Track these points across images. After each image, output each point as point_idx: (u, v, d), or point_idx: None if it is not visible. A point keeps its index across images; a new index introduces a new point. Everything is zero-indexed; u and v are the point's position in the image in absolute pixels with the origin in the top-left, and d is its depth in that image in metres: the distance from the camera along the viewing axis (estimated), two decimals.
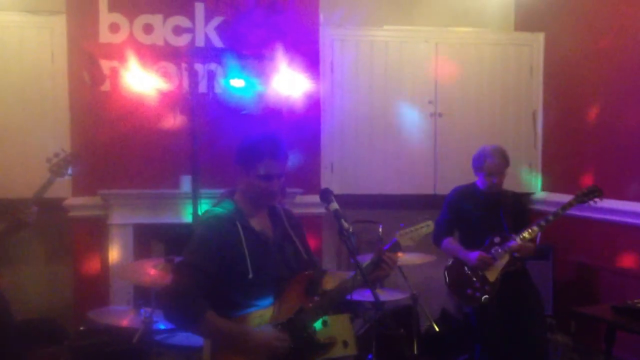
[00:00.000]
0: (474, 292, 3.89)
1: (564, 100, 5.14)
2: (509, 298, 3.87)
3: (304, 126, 4.86)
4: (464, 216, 4.02)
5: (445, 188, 4.94)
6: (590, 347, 4.51)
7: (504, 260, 3.85)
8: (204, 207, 3.76)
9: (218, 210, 2.50)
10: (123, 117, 4.63)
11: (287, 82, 4.75)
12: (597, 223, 4.58)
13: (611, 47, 4.57)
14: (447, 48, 5.21)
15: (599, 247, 4.68)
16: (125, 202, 4.62)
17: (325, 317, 2.53)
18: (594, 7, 4.75)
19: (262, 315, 2.46)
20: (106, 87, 4.63)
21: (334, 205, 2.49)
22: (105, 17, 4.61)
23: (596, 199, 3.82)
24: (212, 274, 2.39)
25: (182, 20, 4.70)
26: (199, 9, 4.70)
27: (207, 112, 4.59)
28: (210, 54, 4.65)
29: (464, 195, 4.06)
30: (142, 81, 4.59)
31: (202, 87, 4.63)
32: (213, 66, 4.67)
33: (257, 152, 2.45)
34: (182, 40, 4.70)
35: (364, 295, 3.80)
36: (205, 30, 4.72)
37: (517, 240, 3.80)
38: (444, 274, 4.05)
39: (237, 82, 4.60)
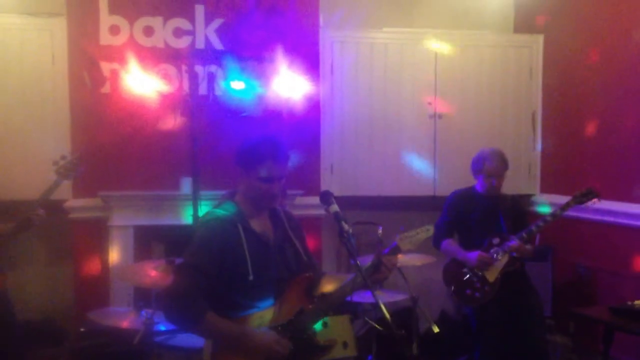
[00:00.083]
0: (474, 292, 3.90)
1: (563, 102, 5.16)
2: (508, 299, 3.88)
3: (304, 128, 4.87)
4: (463, 219, 4.04)
5: (445, 190, 4.96)
6: (589, 348, 4.52)
7: (503, 261, 3.87)
8: (204, 208, 3.77)
9: (219, 211, 2.51)
10: (123, 119, 4.64)
11: (287, 84, 4.77)
12: (596, 224, 4.60)
13: (610, 49, 4.58)
14: (446, 50, 5.22)
15: (597, 248, 4.69)
16: (125, 203, 4.63)
17: (326, 319, 2.54)
18: (593, 9, 4.77)
19: (262, 316, 2.48)
20: (106, 89, 4.64)
21: (334, 207, 2.50)
22: (106, 20, 4.62)
23: (594, 200, 3.85)
24: (213, 275, 2.41)
25: (182, 23, 4.70)
26: (199, 11, 4.71)
27: (207, 114, 4.61)
28: (211, 56, 4.66)
29: (463, 199, 4.08)
30: (143, 83, 4.60)
31: (202, 89, 4.66)
32: (213, 68, 4.69)
33: (258, 154, 2.46)
34: (183, 43, 4.70)
35: (364, 297, 3.82)
36: (206, 32, 4.73)
37: (516, 241, 3.82)
38: (443, 274, 4.07)
39: (237, 84, 4.62)
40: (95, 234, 4.69)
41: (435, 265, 4.16)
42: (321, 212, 3.47)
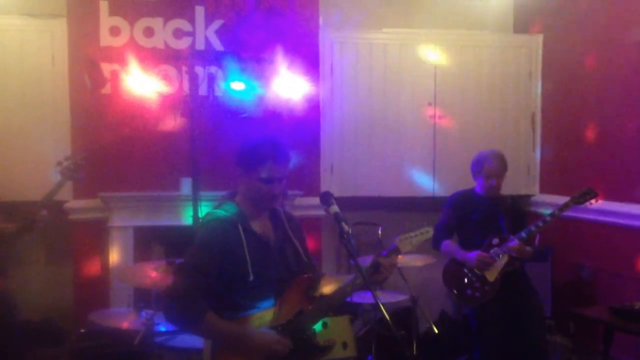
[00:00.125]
0: (474, 292, 3.91)
1: (562, 103, 5.16)
2: (508, 299, 3.89)
3: (303, 128, 4.87)
4: (462, 220, 4.05)
5: (444, 190, 4.98)
6: (589, 349, 4.52)
7: (503, 261, 3.88)
8: (204, 209, 3.78)
9: (220, 212, 2.52)
10: (123, 120, 4.65)
11: (287, 85, 4.77)
12: (596, 225, 4.60)
13: (609, 49, 4.58)
14: (446, 50, 5.23)
15: (597, 249, 4.70)
16: (125, 204, 4.64)
17: (325, 319, 2.55)
18: (592, 10, 4.77)
19: (262, 316, 2.48)
20: (107, 90, 4.65)
21: (334, 208, 2.51)
22: (106, 21, 4.62)
23: (592, 201, 3.87)
24: (213, 276, 2.41)
25: (182, 24, 4.71)
26: (199, 12, 4.72)
27: (207, 115, 4.62)
28: (211, 57, 4.67)
29: (462, 200, 4.09)
30: (143, 84, 4.61)
31: (203, 90, 4.66)
32: (213, 69, 4.70)
33: (259, 155, 2.46)
34: (183, 44, 4.71)
35: (363, 297, 3.82)
36: (206, 33, 4.74)
37: (516, 241, 3.83)
38: (443, 275, 4.08)
39: (237, 85, 4.62)
40: (96, 234, 4.69)
41: (435, 266, 4.17)
42: (321, 212, 3.47)
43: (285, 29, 4.82)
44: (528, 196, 5.37)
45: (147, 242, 4.84)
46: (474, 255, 3.89)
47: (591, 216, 4.49)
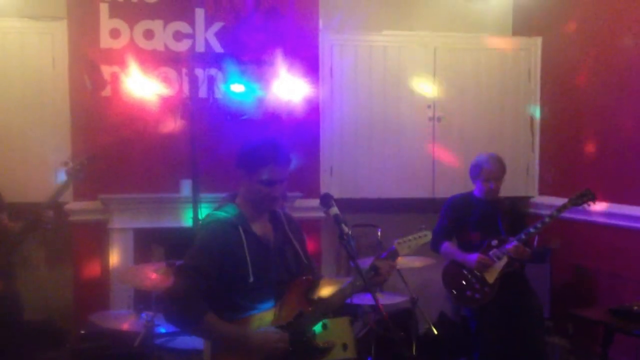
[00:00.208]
0: (474, 293, 3.92)
1: (561, 105, 5.17)
2: (508, 300, 3.90)
3: (303, 130, 4.88)
4: (461, 223, 4.07)
5: (443, 192, 4.98)
6: (588, 350, 4.53)
7: (502, 262, 3.89)
8: (204, 211, 3.78)
9: (221, 214, 2.53)
10: (124, 122, 4.66)
11: (287, 87, 4.78)
12: (595, 226, 4.61)
13: (608, 51, 4.60)
14: (445, 53, 5.25)
15: (596, 250, 4.71)
16: (125, 206, 4.65)
17: (325, 320, 2.56)
18: (591, 12, 4.79)
19: (262, 318, 2.49)
20: (107, 92, 4.65)
21: (334, 210, 2.52)
22: (106, 23, 4.63)
23: (590, 202, 3.89)
24: (213, 277, 2.42)
25: (182, 26, 4.72)
26: (199, 14, 4.73)
27: (207, 117, 4.63)
28: (211, 59, 4.68)
29: (461, 203, 4.10)
30: (143, 86, 4.61)
31: (202, 92, 4.68)
32: (213, 71, 4.70)
33: (260, 157, 2.47)
34: (183, 46, 4.72)
35: (363, 299, 3.83)
36: (206, 35, 4.75)
37: (515, 243, 3.84)
38: (443, 276, 4.09)
39: (237, 87, 4.63)
40: (96, 236, 4.69)
41: (434, 267, 4.18)
42: (320, 214, 3.48)
43: (285, 31, 4.83)
44: (527, 198, 5.38)
45: (147, 244, 4.85)
46: (473, 257, 3.91)
47: (590, 217, 4.49)
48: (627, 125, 4.42)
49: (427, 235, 2.70)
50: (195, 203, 4.00)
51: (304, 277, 2.58)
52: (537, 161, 5.42)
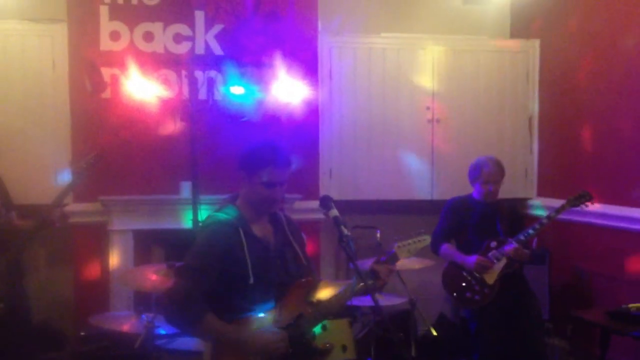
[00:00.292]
0: (473, 295, 3.94)
1: (559, 107, 5.19)
2: (507, 302, 3.92)
3: (302, 132, 4.90)
4: (460, 226, 4.08)
5: (442, 193, 5.00)
6: (586, 351, 4.55)
7: (501, 264, 3.91)
8: (203, 213, 3.79)
9: (221, 215, 2.54)
10: (123, 124, 4.67)
11: (286, 89, 4.80)
12: (593, 228, 4.63)
13: (606, 53, 4.61)
14: (443, 55, 5.26)
15: (594, 252, 4.72)
16: (125, 208, 4.66)
17: (325, 322, 2.57)
18: (589, 14, 4.81)
19: (262, 319, 2.50)
20: (107, 94, 4.66)
21: (334, 212, 2.54)
22: (106, 25, 4.64)
23: (587, 203, 3.91)
24: (214, 278, 2.43)
25: (182, 28, 4.73)
26: (199, 17, 4.74)
27: (206, 119, 4.65)
28: (210, 62, 4.69)
29: (460, 206, 4.12)
30: (143, 88, 4.62)
31: (202, 94, 4.69)
32: (213, 73, 4.72)
33: (261, 159, 2.49)
34: (182, 48, 4.73)
35: (362, 300, 3.84)
36: (205, 38, 4.76)
37: (514, 243, 3.86)
38: (442, 278, 4.10)
39: (237, 89, 4.64)
40: (96, 238, 4.70)
41: (433, 269, 4.19)
42: (320, 216, 3.48)
43: (284, 34, 4.85)
44: (525, 199, 5.40)
45: (147, 246, 4.86)
46: (472, 259, 3.92)
47: (589, 219, 4.51)
48: (625, 127, 4.43)
49: (427, 240, 2.71)
50: (195, 205, 4.01)
51: (304, 279, 2.59)
52: (535, 163, 5.43)
